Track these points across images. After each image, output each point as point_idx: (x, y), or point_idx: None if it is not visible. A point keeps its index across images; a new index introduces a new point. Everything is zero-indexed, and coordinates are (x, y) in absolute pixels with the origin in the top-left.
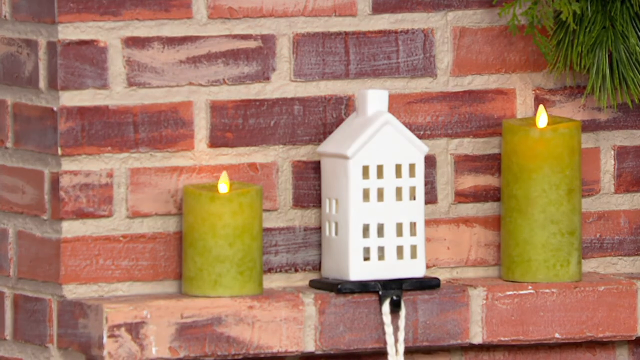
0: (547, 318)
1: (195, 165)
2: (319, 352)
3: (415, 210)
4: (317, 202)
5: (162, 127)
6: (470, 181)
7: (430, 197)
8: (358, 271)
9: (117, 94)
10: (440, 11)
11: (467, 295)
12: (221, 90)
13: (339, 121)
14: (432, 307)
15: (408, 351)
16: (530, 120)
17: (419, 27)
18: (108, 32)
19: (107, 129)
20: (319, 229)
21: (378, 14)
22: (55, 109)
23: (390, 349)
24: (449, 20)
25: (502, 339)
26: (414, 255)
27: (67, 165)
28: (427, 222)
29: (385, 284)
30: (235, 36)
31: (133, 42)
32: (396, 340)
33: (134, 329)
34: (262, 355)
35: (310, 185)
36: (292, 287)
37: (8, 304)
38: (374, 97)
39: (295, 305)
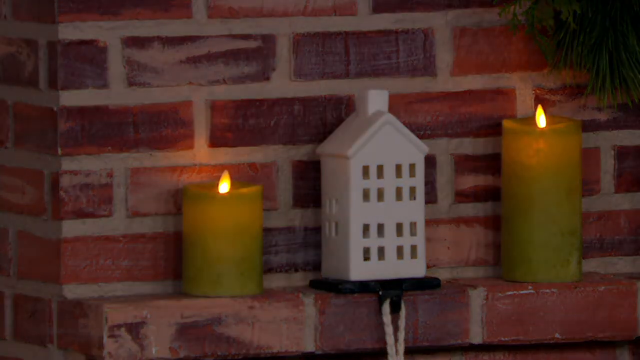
0: (547, 318)
1: (195, 165)
2: (319, 352)
3: (415, 210)
4: (317, 202)
5: (162, 127)
6: (470, 181)
7: (430, 197)
8: (358, 271)
9: (117, 94)
10: (440, 11)
11: (467, 295)
12: (221, 90)
13: (339, 121)
14: (432, 307)
15: (408, 351)
16: (530, 120)
17: (419, 27)
18: (108, 32)
19: (107, 129)
20: (319, 229)
21: (378, 13)
22: (55, 109)
23: (390, 349)
24: (449, 20)
25: (502, 339)
26: (414, 255)
27: (67, 165)
28: (427, 222)
29: (385, 284)
30: (235, 36)
31: (133, 42)
32: (396, 341)
33: (134, 329)
34: (262, 355)
35: (310, 185)
36: (292, 287)
37: (8, 304)
38: (374, 97)
39: (295, 305)
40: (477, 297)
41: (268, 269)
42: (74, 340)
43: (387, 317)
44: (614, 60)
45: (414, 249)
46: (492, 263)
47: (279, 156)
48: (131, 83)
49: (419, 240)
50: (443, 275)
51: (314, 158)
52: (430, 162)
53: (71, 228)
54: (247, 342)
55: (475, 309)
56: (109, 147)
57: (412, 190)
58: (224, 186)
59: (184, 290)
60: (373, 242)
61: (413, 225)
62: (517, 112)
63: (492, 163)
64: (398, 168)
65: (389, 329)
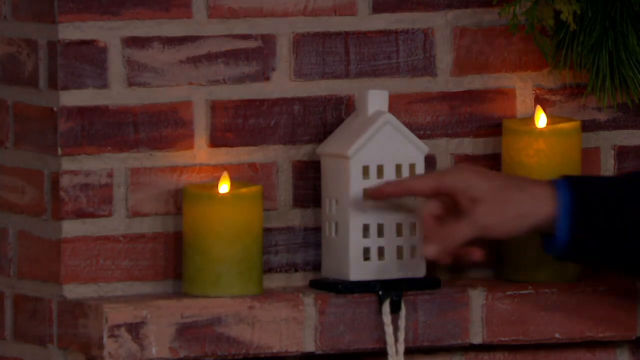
0: (547, 318)
1: (195, 165)
2: (319, 352)
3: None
4: (317, 202)
5: (162, 127)
6: None
7: None
8: (358, 271)
9: (117, 94)
10: (440, 11)
11: (467, 295)
12: (221, 90)
13: (339, 121)
14: (432, 307)
15: (408, 351)
16: (530, 120)
17: (419, 27)
18: (108, 32)
19: (107, 129)
20: (319, 229)
21: (378, 13)
22: (55, 109)
23: (390, 349)
24: (449, 20)
25: (502, 339)
26: (414, 255)
27: (67, 165)
28: None
29: (385, 284)
30: (235, 36)
31: (133, 42)
32: (396, 341)
33: (134, 329)
34: (262, 355)
35: (310, 185)
36: (292, 287)
37: (8, 304)
38: (374, 97)
39: (295, 305)
40: (477, 297)
41: (268, 269)
42: (74, 340)
43: (387, 317)
44: (614, 60)
45: (414, 249)
46: (492, 263)
47: (279, 156)
48: (131, 83)
49: (419, 240)
50: (443, 275)
51: (314, 158)
52: (430, 162)
53: (71, 228)
54: (247, 342)
55: (475, 309)
56: (109, 147)
57: None
58: (224, 187)
59: (184, 290)
60: (373, 242)
61: (413, 225)
62: (517, 112)
63: (492, 163)
64: (398, 168)
65: (389, 329)
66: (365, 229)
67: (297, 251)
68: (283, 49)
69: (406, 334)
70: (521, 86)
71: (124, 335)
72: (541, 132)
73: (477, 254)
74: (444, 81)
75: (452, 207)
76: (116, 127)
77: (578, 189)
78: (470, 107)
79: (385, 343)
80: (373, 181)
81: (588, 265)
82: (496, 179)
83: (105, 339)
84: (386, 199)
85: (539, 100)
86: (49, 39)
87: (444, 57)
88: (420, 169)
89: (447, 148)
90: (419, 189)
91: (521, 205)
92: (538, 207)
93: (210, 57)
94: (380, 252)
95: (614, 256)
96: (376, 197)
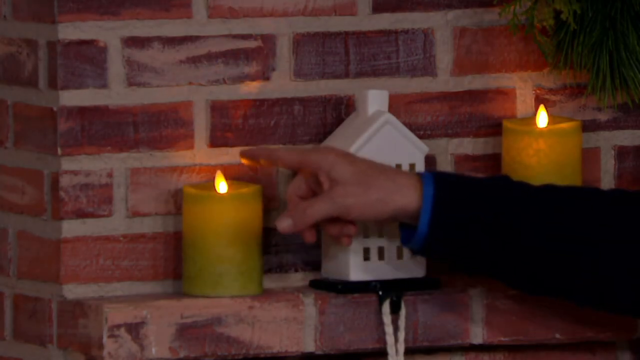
0: (547, 318)
1: (195, 165)
2: (319, 352)
3: None
4: None
5: (162, 127)
6: None
7: None
8: (358, 271)
9: (117, 94)
10: (440, 11)
11: (468, 295)
12: (221, 90)
13: (339, 121)
14: (432, 307)
15: (408, 351)
16: (530, 120)
17: (419, 27)
18: (108, 32)
19: (107, 129)
20: (319, 229)
21: (378, 13)
22: (55, 109)
23: (390, 349)
24: (449, 20)
25: (502, 339)
26: (414, 255)
27: (67, 165)
28: None
29: (385, 284)
30: (235, 36)
31: (133, 42)
32: (396, 341)
33: (134, 329)
34: (262, 356)
35: None
36: (292, 287)
37: (8, 304)
38: (374, 97)
39: (295, 305)
40: (477, 297)
41: (268, 269)
42: (74, 340)
43: (387, 317)
44: (614, 60)
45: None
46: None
47: None
48: (131, 83)
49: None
50: (443, 275)
51: None
52: (430, 162)
53: (71, 228)
54: (247, 342)
55: (475, 309)
56: (109, 147)
57: None
58: (222, 186)
59: (184, 290)
60: (373, 242)
61: None
62: (517, 112)
63: (492, 163)
64: (398, 168)
65: (389, 329)
66: (365, 228)
67: (297, 251)
68: (283, 49)
69: (406, 334)
70: (521, 86)
71: (124, 335)
72: (541, 132)
73: (351, 230)
74: (444, 81)
75: (318, 187)
76: (116, 127)
77: (441, 185)
78: (470, 107)
79: (385, 343)
80: None
81: (443, 262)
82: (361, 164)
83: (105, 339)
84: (259, 165)
85: (539, 100)
86: (48, 39)
87: (444, 57)
88: (420, 168)
89: (447, 148)
90: (284, 160)
91: (382, 191)
92: (400, 196)
93: (210, 57)
94: (380, 252)
95: (467, 256)
96: (248, 158)
